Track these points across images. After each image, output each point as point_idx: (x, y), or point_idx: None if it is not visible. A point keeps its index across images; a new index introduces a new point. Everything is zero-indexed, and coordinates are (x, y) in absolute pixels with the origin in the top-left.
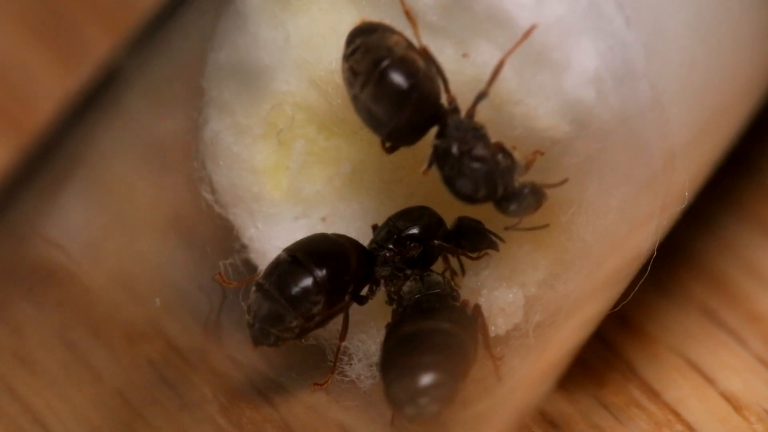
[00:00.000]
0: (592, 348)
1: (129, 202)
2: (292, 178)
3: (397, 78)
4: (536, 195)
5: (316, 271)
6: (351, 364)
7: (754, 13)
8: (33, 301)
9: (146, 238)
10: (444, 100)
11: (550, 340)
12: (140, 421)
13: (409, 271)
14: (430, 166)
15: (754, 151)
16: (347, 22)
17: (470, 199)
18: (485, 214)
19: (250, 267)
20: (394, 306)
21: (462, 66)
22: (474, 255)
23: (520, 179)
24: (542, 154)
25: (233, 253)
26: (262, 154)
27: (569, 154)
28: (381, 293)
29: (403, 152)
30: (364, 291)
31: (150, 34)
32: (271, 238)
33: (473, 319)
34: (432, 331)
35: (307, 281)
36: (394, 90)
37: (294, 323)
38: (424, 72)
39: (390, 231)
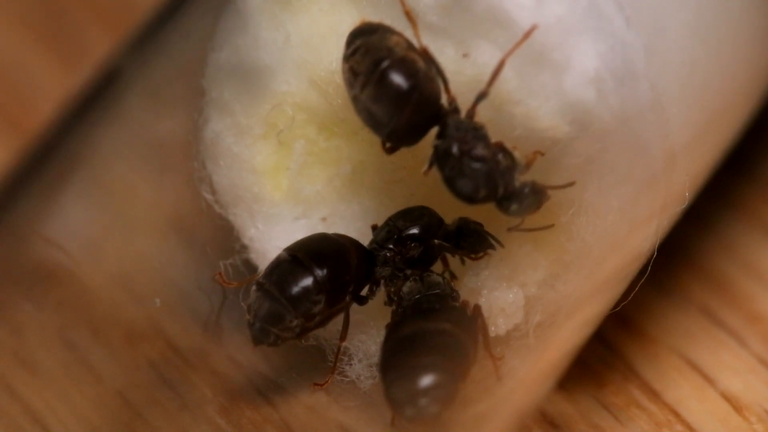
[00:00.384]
0: (592, 348)
1: (129, 202)
2: (292, 179)
3: (398, 79)
4: (537, 194)
5: (316, 271)
6: (351, 365)
7: (754, 13)
8: (33, 301)
9: (146, 238)
10: (444, 100)
11: (550, 341)
12: (140, 422)
13: (409, 272)
14: (430, 166)
15: (754, 151)
16: (347, 22)
17: (471, 199)
18: (486, 214)
19: (251, 267)
20: (394, 306)
21: (462, 66)
22: (474, 255)
23: (520, 179)
24: (542, 154)
25: (233, 254)
26: (262, 154)
27: (569, 155)
28: (381, 293)
29: (404, 152)
30: (365, 291)
31: (150, 35)
32: (271, 238)
33: (473, 319)
34: (432, 332)
35: (308, 281)
36: (394, 91)
37: (294, 323)
38: (424, 72)
39: (390, 231)
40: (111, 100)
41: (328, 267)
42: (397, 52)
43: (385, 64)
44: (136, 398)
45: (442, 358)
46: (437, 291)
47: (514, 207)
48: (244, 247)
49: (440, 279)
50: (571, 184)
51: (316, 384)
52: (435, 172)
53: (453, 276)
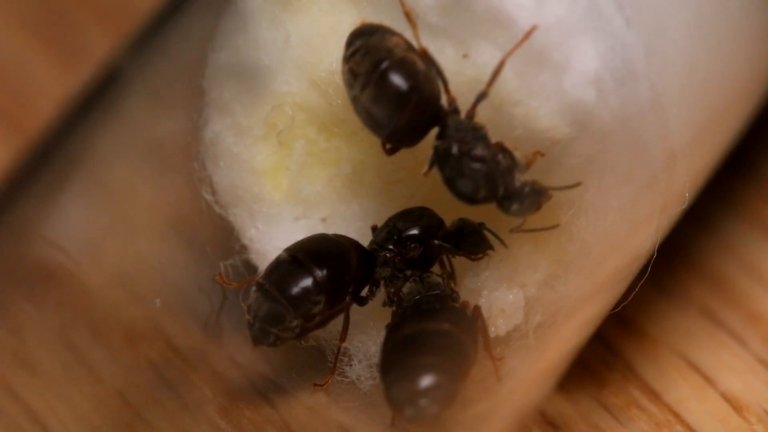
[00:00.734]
0: (592, 349)
1: (129, 203)
2: (292, 179)
3: (397, 79)
4: (538, 194)
5: (316, 272)
6: (351, 365)
7: (754, 13)
8: (33, 302)
9: (146, 238)
10: (444, 101)
11: (550, 341)
12: (140, 422)
13: (409, 272)
14: (431, 167)
15: (754, 151)
16: (347, 22)
17: (471, 199)
18: (487, 215)
19: (251, 268)
20: (394, 307)
21: (462, 67)
22: (473, 256)
23: (521, 178)
24: (543, 155)
25: (233, 254)
26: (262, 154)
27: (569, 155)
28: (381, 294)
29: (404, 153)
30: (365, 292)
31: (150, 35)
32: (271, 238)
33: (473, 320)
34: (432, 333)
35: (308, 281)
36: (394, 91)
37: (294, 323)
38: (424, 73)
39: (390, 232)
40: (111, 101)
41: (328, 268)
42: (397, 52)
43: (385, 65)
44: (136, 398)
45: (442, 358)
46: (437, 292)
47: (514, 207)
48: (244, 248)
49: (440, 280)
50: (577, 185)
51: (316, 384)
52: (435, 173)
53: (453, 276)
